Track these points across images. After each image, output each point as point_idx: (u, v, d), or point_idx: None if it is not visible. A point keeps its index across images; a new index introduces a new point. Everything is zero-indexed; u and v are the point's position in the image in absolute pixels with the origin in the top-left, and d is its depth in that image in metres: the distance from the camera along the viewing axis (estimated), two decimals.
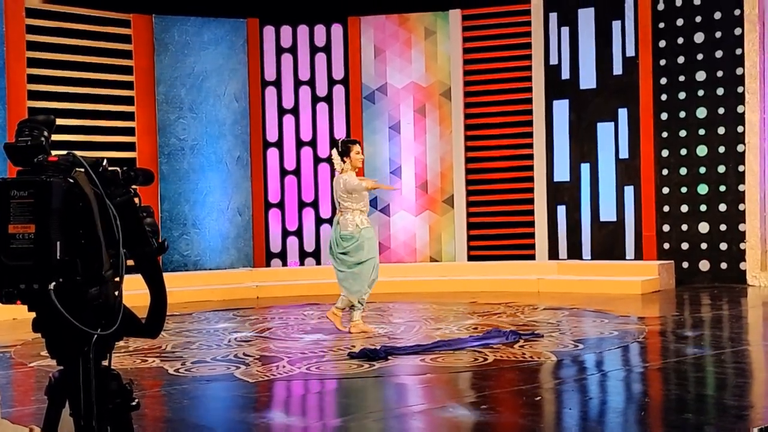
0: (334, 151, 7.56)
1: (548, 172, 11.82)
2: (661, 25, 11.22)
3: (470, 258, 12.10)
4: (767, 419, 4.37)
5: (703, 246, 11.06)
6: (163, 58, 11.60)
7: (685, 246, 11.17)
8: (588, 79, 11.63)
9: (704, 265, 11.05)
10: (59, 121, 2.44)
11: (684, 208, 11.16)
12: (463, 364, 5.99)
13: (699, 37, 10.99)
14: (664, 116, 11.25)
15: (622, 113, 11.45)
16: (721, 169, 10.93)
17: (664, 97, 11.23)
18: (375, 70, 12.32)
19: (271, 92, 12.31)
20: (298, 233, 12.33)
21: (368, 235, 7.48)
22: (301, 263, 12.30)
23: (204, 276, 11.53)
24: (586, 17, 11.64)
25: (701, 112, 11.02)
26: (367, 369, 5.88)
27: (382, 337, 7.24)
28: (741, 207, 10.78)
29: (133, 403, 2.33)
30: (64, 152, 2.23)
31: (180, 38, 11.70)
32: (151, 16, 11.57)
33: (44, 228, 2.09)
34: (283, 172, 12.33)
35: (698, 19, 11.00)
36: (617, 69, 11.48)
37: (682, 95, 11.13)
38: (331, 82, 12.36)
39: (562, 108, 11.79)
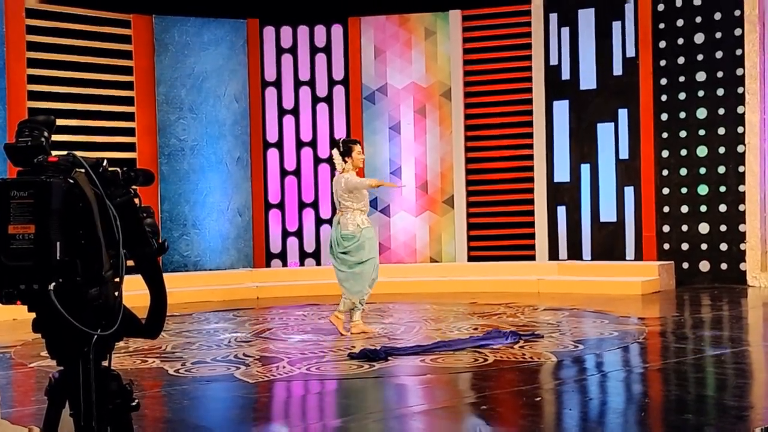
0: (335, 151, 7.55)
1: (548, 173, 11.82)
2: (662, 25, 11.22)
3: (470, 258, 12.10)
4: (767, 420, 4.37)
5: (704, 246, 11.06)
6: (163, 58, 11.60)
7: (685, 246, 11.17)
8: (588, 80, 11.63)
9: (704, 266, 11.05)
10: (59, 122, 2.44)
11: (684, 209, 11.16)
12: (464, 364, 5.99)
13: (699, 38, 11.00)
14: (664, 117, 11.25)
15: (622, 114, 11.45)
16: (722, 169, 10.93)
17: (664, 97, 11.23)
18: (375, 71, 12.32)
19: (271, 93, 12.31)
20: (298, 234, 12.33)
21: (369, 234, 7.47)
22: (301, 264, 12.30)
23: (204, 276, 11.53)
24: (587, 18, 11.64)
25: (701, 113, 11.02)
26: (367, 369, 5.88)
27: (382, 338, 7.24)
28: (741, 208, 10.78)
29: (133, 404, 2.33)
30: (64, 153, 2.23)
31: (180, 39, 11.70)
32: (151, 17, 11.57)
33: (44, 228, 2.09)
34: (283, 173, 12.33)
35: (698, 19, 11.00)
36: (617, 69, 11.48)
37: (682, 96, 11.13)
38: (332, 83, 12.36)
39: (562, 108, 11.79)
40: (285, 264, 12.28)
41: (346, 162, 7.48)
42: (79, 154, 2.24)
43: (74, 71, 10.97)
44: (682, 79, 11.11)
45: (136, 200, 2.31)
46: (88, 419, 2.20)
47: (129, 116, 11.41)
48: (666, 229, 11.27)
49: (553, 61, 11.79)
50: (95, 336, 2.18)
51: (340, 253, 7.42)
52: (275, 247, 12.30)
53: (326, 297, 9.91)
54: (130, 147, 11.36)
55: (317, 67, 12.36)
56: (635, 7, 11.31)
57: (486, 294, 10.55)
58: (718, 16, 10.88)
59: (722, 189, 10.93)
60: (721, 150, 10.92)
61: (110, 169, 2.28)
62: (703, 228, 11.05)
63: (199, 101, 11.81)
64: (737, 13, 10.73)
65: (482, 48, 12.12)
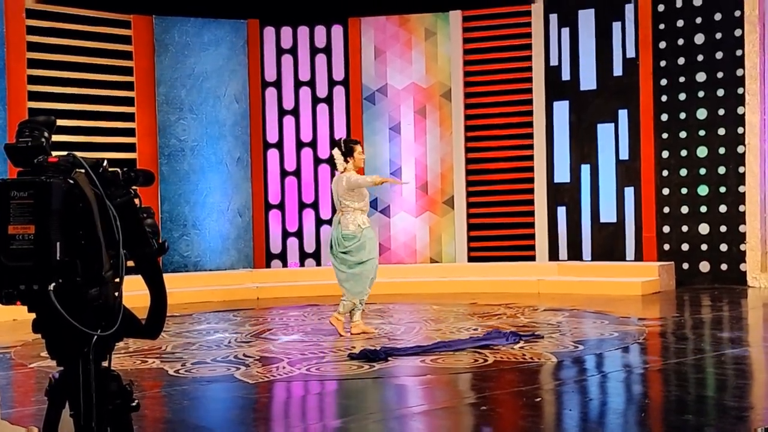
0: (337, 151, 7.52)
1: (548, 174, 11.82)
2: (662, 26, 11.23)
3: (470, 259, 12.10)
4: (767, 420, 4.37)
5: (704, 247, 11.06)
6: (163, 59, 11.61)
7: (685, 247, 11.17)
8: (588, 81, 11.63)
9: (704, 267, 11.05)
10: (59, 122, 2.44)
11: (684, 210, 11.16)
12: (464, 365, 5.99)
13: (699, 39, 11.00)
14: (664, 117, 11.25)
15: (623, 114, 11.46)
16: (722, 170, 10.93)
17: (664, 98, 11.23)
18: (375, 71, 12.32)
19: (271, 93, 12.31)
20: (299, 234, 12.34)
21: (370, 235, 7.47)
22: (301, 264, 12.30)
23: (204, 277, 11.53)
24: (587, 18, 11.64)
25: (701, 114, 11.02)
26: (367, 370, 5.88)
27: (382, 338, 7.24)
28: (741, 208, 10.78)
29: (133, 404, 2.33)
30: (65, 153, 2.23)
31: (180, 39, 11.71)
32: (152, 17, 11.57)
33: (44, 229, 2.09)
34: (284, 173, 12.33)
35: (698, 20, 11.00)
36: (617, 70, 11.48)
37: (682, 96, 11.13)
38: (332, 83, 12.37)
39: (562, 109, 11.79)
40: (285, 264, 12.28)
41: (347, 162, 7.48)
42: (79, 154, 2.24)
43: (74, 72, 10.97)
44: (682, 79, 11.12)
45: (137, 201, 2.31)
46: (88, 420, 2.21)
47: (129, 117, 11.41)
48: (666, 229, 11.27)
49: (554, 62, 11.79)
50: (95, 336, 2.18)
51: (340, 253, 7.41)
52: (275, 247, 12.30)
53: (326, 298, 9.91)
54: (130, 147, 11.36)
55: (317, 68, 12.36)
56: (635, 7, 11.31)
57: (486, 294, 10.55)
58: (718, 16, 10.88)
59: (722, 190, 10.93)
60: (721, 151, 10.92)
61: (110, 169, 2.28)
62: (703, 229, 11.05)
63: (199, 102, 11.81)
64: (737, 13, 10.73)
65: (482, 49, 12.12)
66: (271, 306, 10.17)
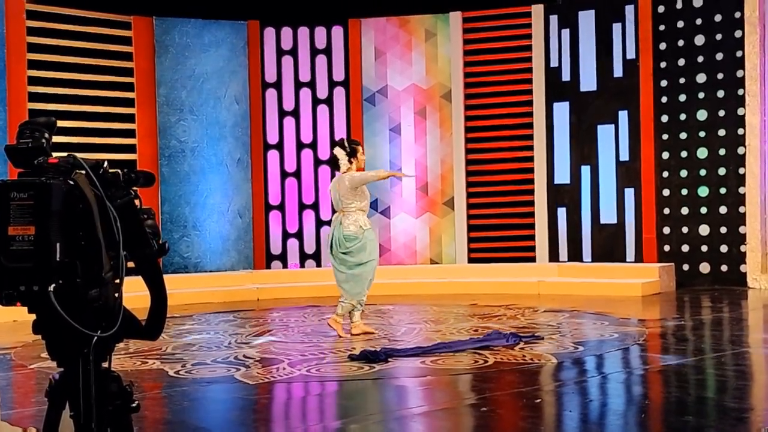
0: (341, 151, 7.49)
1: (549, 175, 11.82)
2: (662, 27, 11.23)
3: (470, 260, 12.10)
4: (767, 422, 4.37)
5: (704, 248, 11.06)
6: (163, 60, 11.61)
7: (685, 248, 11.17)
8: (588, 82, 11.63)
9: (704, 268, 11.05)
10: (60, 123, 2.44)
11: (684, 211, 11.16)
12: (464, 366, 5.99)
13: (699, 40, 11.00)
14: (664, 118, 11.25)
15: (623, 115, 11.46)
16: (722, 171, 10.93)
17: (664, 99, 11.23)
18: (375, 72, 12.32)
19: (271, 94, 12.31)
20: (299, 235, 12.34)
21: (371, 236, 7.47)
22: (302, 265, 12.30)
23: (204, 278, 11.53)
24: (587, 19, 11.64)
25: (702, 115, 11.02)
26: (367, 371, 5.88)
27: (382, 339, 7.24)
28: (741, 209, 10.78)
29: (133, 405, 2.33)
30: (65, 154, 2.24)
31: (180, 40, 11.71)
32: (152, 18, 11.57)
33: (44, 230, 2.09)
34: (284, 174, 12.34)
35: (698, 21, 11.00)
36: (617, 71, 11.48)
37: (682, 97, 11.13)
38: (332, 84, 12.37)
39: (562, 110, 11.79)
40: (285, 265, 12.28)
41: (351, 162, 7.47)
42: (79, 155, 2.24)
43: (75, 73, 10.98)
44: (682, 80, 11.12)
45: (137, 202, 2.31)
46: (88, 420, 2.21)
47: (129, 118, 11.42)
48: (666, 230, 11.27)
49: (554, 63, 11.79)
50: (95, 337, 2.18)
51: (341, 254, 7.39)
52: (275, 248, 12.30)
53: (326, 298, 9.91)
54: (130, 148, 11.36)
55: (318, 69, 12.37)
56: (635, 8, 11.31)
57: (486, 296, 10.55)
58: (718, 17, 10.88)
59: (722, 191, 10.93)
60: (722, 152, 10.92)
61: (111, 170, 2.28)
62: (704, 230, 11.05)
63: (199, 103, 11.82)
64: (737, 14, 10.74)
65: (483, 50, 12.12)
66: (271, 307, 10.17)
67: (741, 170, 10.77)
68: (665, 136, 11.25)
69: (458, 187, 12.13)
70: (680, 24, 11.12)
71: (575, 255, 11.70)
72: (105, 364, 2.28)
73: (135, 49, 11.45)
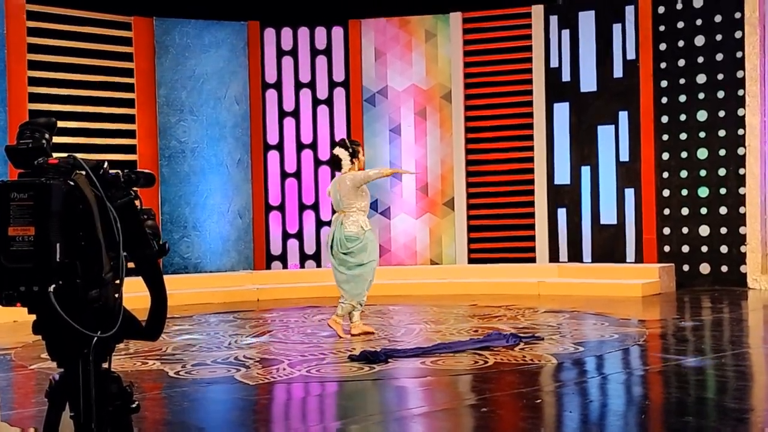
0: (343, 151, 7.47)
1: (549, 175, 11.82)
2: (662, 28, 11.23)
3: (470, 261, 12.10)
4: None
5: (704, 249, 11.06)
6: (163, 60, 11.61)
7: (685, 249, 11.17)
8: (588, 82, 11.63)
9: (705, 268, 11.05)
10: (60, 124, 2.44)
11: (684, 211, 11.16)
12: (464, 366, 5.99)
13: (699, 40, 11.00)
14: (664, 119, 11.25)
15: (623, 116, 11.46)
16: (722, 172, 10.93)
17: (664, 99, 11.23)
18: (375, 73, 12.33)
19: (271, 95, 12.31)
20: (299, 236, 12.34)
21: (371, 237, 7.47)
22: (302, 266, 12.30)
23: (204, 278, 11.53)
24: (587, 20, 11.64)
25: (702, 115, 11.02)
26: (367, 372, 5.88)
27: (382, 340, 7.24)
28: (741, 210, 10.78)
29: (133, 406, 2.33)
30: (65, 155, 2.24)
31: (181, 41, 11.71)
32: (152, 19, 11.58)
33: (44, 230, 2.09)
34: (284, 175, 12.33)
35: (699, 22, 11.00)
36: (618, 72, 11.48)
37: (682, 98, 11.13)
38: (332, 85, 12.37)
39: (562, 111, 11.79)
40: (285, 266, 12.28)
41: (353, 162, 7.46)
42: (79, 156, 2.24)
43: (75, 73, 10.98)
44: (682, 81, 11.12)
45: (137, 202, 2.31)
46: (88, 421, 2.21)
47: (130, 118, 11.42)
48: (666, 231, 11.27)
49: (554, 64, 11.79)
50: (95, 338, 2.18)
51: (341, 254, 7.39)
52: (275, 249, 12.30)
53: (326, 299, 9.91)
54: (130, 149, 11.36)
55: (318, 70, 12.37)
56: (635, 9, 11.31)
57: (486, 296, 10.55)
58: (718, 18, 10.88)
59: (723, 191, 10.93)
60: (722, 152, 10.92)
61: (111, 171, 2.29)
62: (704, 230, 11.05)
63: (199, 103, 11.82)
64: (737, 15, 10.74)
65: (483, 50, 12.12)
66: (271, 307, 10.17)
67: (741, 171, 10.77)
68: (665, 137, 11.25)
69: (458, 188, 12.13)
70: (680, 25, 11.12)
71: (575, 255, 11.70)
72: (105, 365, 2.28)
73: (135, 49, 11.45)
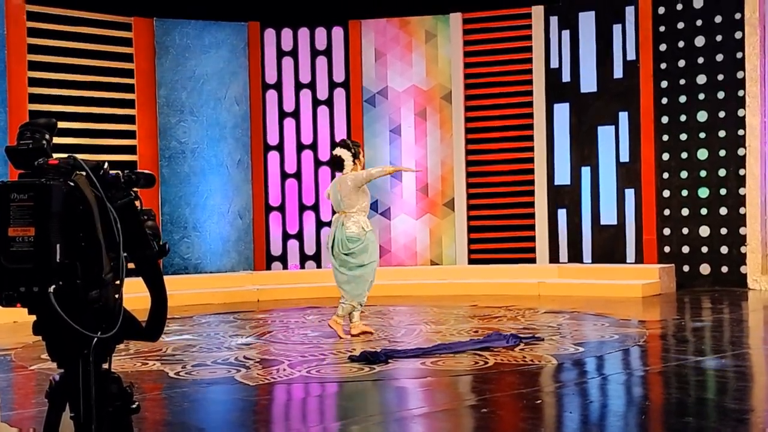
0: (346, 152, 7.46)
1: (549, 176, 11.82)
2: (662, 28, 11.23)
3: (471, 261, 12.10)
4: None
5: (704, 249, 11.06)
6: (164, 61, 11.61)
7: (685, 249, 11.17)
8: (589, 83, 11.63)
9: (705, 269, 11.05)
10: (60, 124, 2.44)
11: (685, 212, 11.16)
12: (464, 367, 5.99)
13: (700, 41, 11.00)
14: (664, 120, 11.25)
15: (623, 116, 11.46)
16: (722, 172, 10.93)
17: (664, 100, 11.23)
18: (376, 74, 12.33)
19: (271, 95, 12.31)
20: (299, 236, 12.34)
21: (372, 238, 7.47)
22: (302, 266, 12.30)
23: (205, 279, 11.54)
24: (587, 21, 11.64)
25: (702, 116, 11.02)
26: (367, 372, 5.88)
27: (382, 340, 7.24)
28: (742, 210, 10.78)
29: (134, 406, 2.33)
30: (65, 155, 2.24)
31: (181, 41, 11.71)
32: (152, 20, 11.58)
33: (44, 231, 2.09)
34: (284, 176, 12.34)
35: (699, 22, 11.00)
36: (618, 72, 11.48)
37: (682, 99, 11.13)
38: (332, 86, 12.37)
39: (562, 111, 11.79)
40: (285, 267, 12.28)
41: (355, 163, 7.47)
42: (79, 156, 2.24)
43: (75, 74, 10.98)
44: (682, 82, 11.12)
45: (137, 203, 2.31)
46: (88, 422, 2.21)
47: (130, 119, 11.42)
48: (666, 231, 11.27)
49: (554, 64, 11.79)
50: (95, 339, 2.18)
51: (342, 255, 7.38)
52: (276, 249, 12.30)
53: (327, 300, 9.91)
54: (130, 150, 11.37)
55: (318, 70, 12.37)
56: (636, 10, 11.31)
57: (486, 297, 10.55)
58: (718, 19, 10.88)
59: (723, 192, 10.93)
60: (722, 153, 10.92)
61: (111, 171, 2.29)
62: (704, 231, 11.05)
63: (199, 104, 11.82)
64: (737, 16, 10.74)
65: (483, 51, 12.12)
66: (271, 308, 10.17)
67: (741, 171, 10.77)
68: (665, 138, 11.25)
69: (458, 189, 12.13)
70: (680, 25, 11.12)
71: (575, 256, 11.70)
72: (105, 366, 2.28)
73: (135, 50, 11.45)
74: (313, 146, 12.35)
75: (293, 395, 5.61)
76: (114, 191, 2.25)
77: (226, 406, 5.31)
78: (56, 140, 2.31)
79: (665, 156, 11.25)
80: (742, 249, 10.76)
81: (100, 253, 2.15)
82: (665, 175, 11.26)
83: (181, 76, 11.70)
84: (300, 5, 12.36)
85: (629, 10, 11.37)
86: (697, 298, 10.16)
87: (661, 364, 6.21)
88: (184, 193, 11.69)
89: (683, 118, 11.13)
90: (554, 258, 11.77)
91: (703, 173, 11.04)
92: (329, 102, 12.36)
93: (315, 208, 12.31)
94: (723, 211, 10.92)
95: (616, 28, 11.48)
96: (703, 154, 11.04)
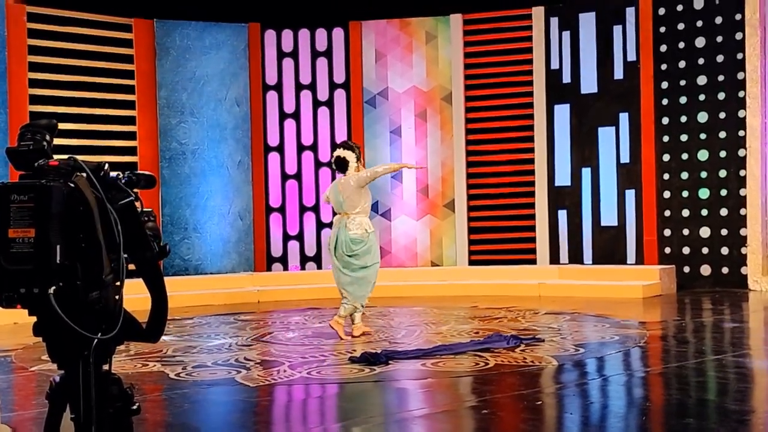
0: (350, 153, 7.45)
1: (549, 177, 11.82)
2: (662, 29, 11.23)
3: (471, 262, 12.10)
4: None
5: (705, 250, 11.05)
6: (164, 62, 11.62)
7: (686, 250, 11.16)
8: (589, 84, 11.63)
9: (705, 270, 11.05)
10: (61, 126, 2.44)
11: (685, 213, 11.16)
12: (464, 368, 5.99)
13: (700, 42, 11.00)
14: (665, 120, 11.25)
15: (623, 117, 11.45)
16: (723, 173, 10.92)
17: (665, 101, 11.23)
18: (376, 75, 12.33)
19: (272, 96, 12.32)
20: (299, 237, 12.34)
21: (374, 239, 7.48)
22: (302, 267, 12.30)
23: (205, 280, 11.53)
24: (587, 22, 11.65)
25: (702, 117, 11.02)
26: (367, 373, 5.88)
27: (382, 341, 7.23)
28: (742, 211, 10.78)
29: (134, 408, 2.33)
30: (66, 156, 2.24)
31: (181, 42, 11.72)
32: (153, 21, 11.58)
33: (44, 232, 2.09)
34: (284, 177, 12.34)
35: (699, 23, 11.00)
36: (618, 73, 11.48)
37: (683, 100, 11.13)
38: (333, 87, 12.37)
39: (563, 112, 11.79)
40: (286, 268, 12.28)
41: (357, 165, 7.47)
42: (80, 157, 2.24)
43: (76, 75, 10.98)
44: (683, 82, 11.12)
45: (138, 204, 2.31)
46: (88, 423, 2.21)
47: (130, 120, 11.43)
48: (667, 232, 11.27)
49: (554, 65, 11.79)
50: (95, 340, 2.18)
51: (346, 256, 7.37)
52: (276, 250, 12.30)
53: (327, 301, 9.91)
54: (131, 151, 11.37)
55: (318, 71, 12.37)
56: (636, 11, 11.31)
57: (487, 298, 10.55)
58: (719, 19, 10.88)
59: (723, 193, 10.93)
60: (723, 154, 10.92)
61: (111, 172, 2.29)
62: (704, 232, 11.05)
63: (200, 105, 11.83)
64: (738, 17, 10.74)
65: (483, 52, 12.13)
66: (272, 309, 10.17)
67: (742, 172, 10.76)
68: (666, 138, 11.25)
69: (459, 190, 12.13)
70: (681, 26, 11.12)
71: (576, 257, 11.70)
72: (105, 367, 2.28)
73: (136, 51, 11.46)
74: (314, 147, 12.35)
75: (294, 396, 5.60)
76: (114, 192, 2.25)
77: (226, 407, 5.31)
78: (57, 141, 2.31)
79: (666, 157, 11.25)
80: (743, 250, 10.76)
81: (100, 254, 2.15)
82: (666, 176, 11.26)
83: (182, 77, 11.70)
84: (300, 6, 12.37)
85: (629, 11, 11.37)
86: (697, 299, 10.15)
87: (661, 365, 6.21)
88: (184, 194, 11.69)
89: (684, 119, 11.13)
90: (555, 259, 11.77)
91: (703, 174, 11.04)
92: (329, 103, 12.36)
93: (315, 209, 12.31)
94: (723, 212, 10.92)
95: (617, 29, 11.48)
96: (703, 155, 11.04)
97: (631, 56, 11.38)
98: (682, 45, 11.12)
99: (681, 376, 5.74)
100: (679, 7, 11.12)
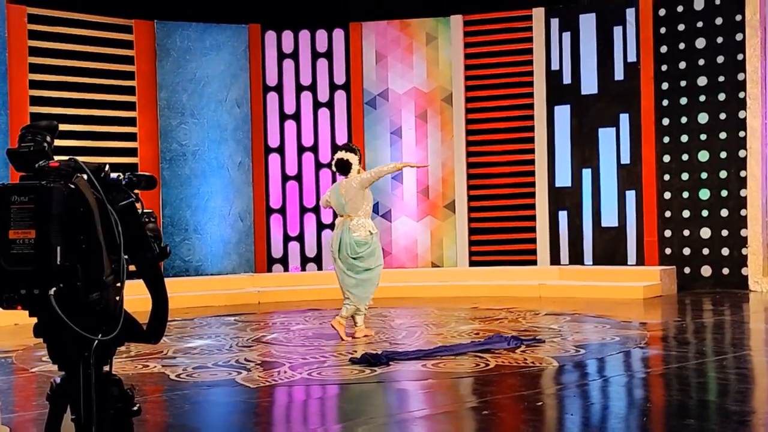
0: (353, 155, 7.45)
1: (550, 178, 11.82)
2: (663, 30, 11.23)
3: (472, 263, 12.10)
4: None
5: (705, 251, 11.05)
6: (164, 63, 11.62)
7: (686, 251, 11.16)
8: (589, 85, 11.63)
9: (706, 271, 11.05)
10: (61, 127, 2.44)
11: (686, 214, 11.16)
12: (465, 369, 5.98)
13: (700, 43, 11.00)
14: (665, 121, 11.25)
15: (624, 118, 11.45)
16: (723, 174, 10.92)
17: (665, 102, 11.23)
18: (376, 76, 12.33)
19: (272, 98, 12.32)
20: (300, 239, 12.34)
21: (377, 241, 7.48)
22: (303, 269, 12.30)
23: (205, 281, 11.53)
24: (588, 23, 11.65)
25: (703, 118, 11.02)
26: (368, 374, 5.87)
27: (383, 342, 7.23)
28: (743, 212, 10.77)
29: (135, 409, 2.33)
30: (66, 158, 2.24)
31: (182, 44, 11.72)
32: (153, 22, 11.59)
33: (44, 233, 2.09)
34: (285, 178, 12.34)
35: (699, 24, 11.00)
36: (618, 74, 11.49)
37: (683, 100, 11.13)
38: (333, 88, 12.38)
39: (563, 113, 11.79)
40: (286, 269, 12.28)
41: (358, 167, 7.48)
42: (80, 159, 2.24)
43: (76, 76, 10.99)
44: (683, 83, 11.12)
45: (138, 205, 2.31)
46: (89, 424, 2.21)
47: (131, 121, 11.43)
48: (668, 233, 11.27)
49: (555, 66, 11.80)
50: (96, 341, 2.18)
51: (350, 258, 7.36)
52: (277, 251, 12.30)
53: (328, 302, 9.91)
54: (132, 152, 11.37)
55: (318, 72, 12.37)
56: (636, 12, 11.32)
57: (487, 299, 10.54)
58: (719, 20, 10.88)
59: (724, 194, 10.93)
60: (723, 155, 10.92)
61: (112, 174, 2.29)
62: (705, 233, 11.05)
63: (200, 106, 11.83)
64: (738, 17, 10.74)
65: (483, 53, 12.13)
66: (272, 310, 10.17)
67: (742, 173, 10.76)
68: (666, 139, 11.25)
69: (459, 191, 12.13)
70: (681, 27, 11.12)
71: (576, 258, 11.70)
72: (106, 368, 2.28)
73: (136, 52, 11.47)
74: (314, 148, 12.36)
75: (294, 397, 5.60)
76: (115, 193, 2.25)
77: (227, 408, 5.31)
78: (57, 143, 2.31)
79: (666, 158, 11.25)
80: (743, 251, 10.76)
81: (100, 255, 2.15)
82: (666, 177, 11.26)
83: (182, 78, 11.71)
84: (301, 7, 12.37)
85: (630, 12, 11.37)
86: (698, 300, 10.15)
87: (662, 366, 6.21)
88: (185, 196, 11.69)
89: (684, 119, 11.13)
90: (555, 260, 11.77)
91: (704, 175, 11.04)
92: (330, 104, 12.36)
93: (316, 210, 12.31)
94: (724, 212, 10.92)
95: (617, 30, 11.48)
96: (704, 155, 11.04)
97: (632, 57, 11.38)
98: (682, 46, 11.12)
99: (682, 377, 5.74)
100: (680, 8, 11.12)
